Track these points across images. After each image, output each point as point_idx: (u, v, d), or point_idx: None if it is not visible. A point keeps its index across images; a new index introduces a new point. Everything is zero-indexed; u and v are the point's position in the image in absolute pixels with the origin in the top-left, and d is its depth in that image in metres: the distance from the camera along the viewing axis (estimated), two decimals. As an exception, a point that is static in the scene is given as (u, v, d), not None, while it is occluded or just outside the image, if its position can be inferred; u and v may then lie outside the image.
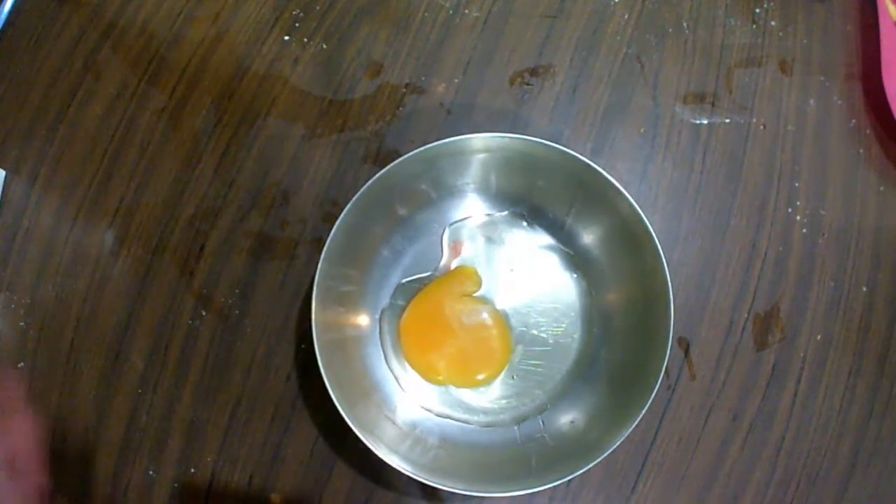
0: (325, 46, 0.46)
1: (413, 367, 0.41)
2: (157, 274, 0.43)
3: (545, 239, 0.43)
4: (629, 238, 0.39)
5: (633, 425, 0.35)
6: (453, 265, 0.42)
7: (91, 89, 0.46)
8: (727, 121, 0.46)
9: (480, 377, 0.41)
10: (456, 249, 0.42)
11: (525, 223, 0.43)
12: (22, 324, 0.43)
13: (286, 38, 0.47)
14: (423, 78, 0.46)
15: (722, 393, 0.42)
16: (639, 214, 0.37)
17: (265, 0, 0.47)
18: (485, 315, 0.41)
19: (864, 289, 0.44)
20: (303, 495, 0.41)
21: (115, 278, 0.43)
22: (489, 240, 0.43)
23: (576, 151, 0.38)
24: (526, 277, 0.42)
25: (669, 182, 0.45)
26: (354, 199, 0.37)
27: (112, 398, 0.42)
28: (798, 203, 0.45)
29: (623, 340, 0.40)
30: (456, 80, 0.46)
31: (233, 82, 0.46)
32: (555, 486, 0.35)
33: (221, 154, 0.45)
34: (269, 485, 0.41)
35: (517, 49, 0.47)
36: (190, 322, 0.43)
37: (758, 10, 0.48)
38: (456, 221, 0.43)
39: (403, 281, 0.42)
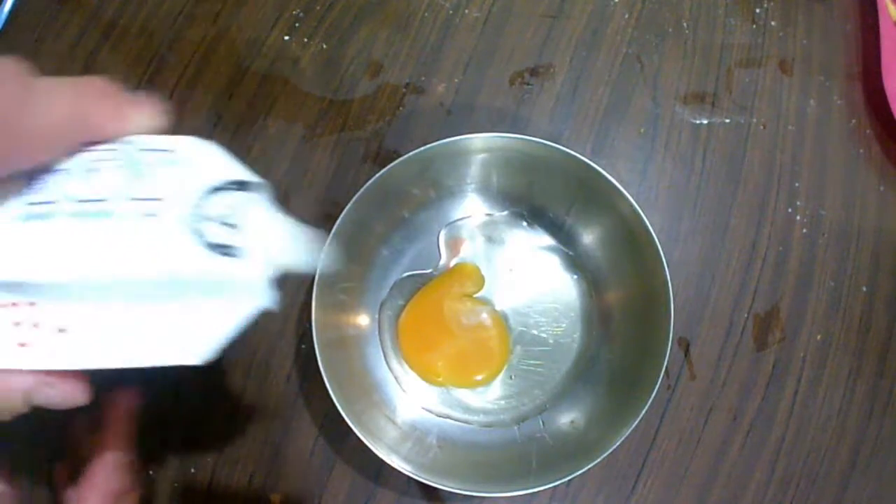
0: (325, 46, 0.46)
1: (412, 367, 0.41)
2: (157, 274, 0.43)
3: (545, 239, 0.43)
4: (629, 238, 0.39)
5: (633, 425, 0.35)
6: (452, 264, 0.42)
7: (91, 89, 0.46)
8: (727, 121, 0.46)
9: (479, 378, 0.41)
10: (455, 249, 0.42)
11: (525, 223, 0.43)
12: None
13: (286, 38, 0.47)
14: (423, 78, 0.46)
15: (722, 393, 0.42)
16: (639, 214, 0.37)
17: (265, 0, 0.47)
18: (483, 315, 0.41)
19: (864, 289, 0.44)
20: (303, 495, 0.41)
21: (115, 278, 0.43)
22: (489, 240, 0.43)
23: (576, 151, 0.38)
24: (526, 277, 0.42)
25: (669, 182, 0.45)
26: (354, 198, 0.37)
27: (112, 398, 0.42)
28: (798, 203, 0.45)
29: (623, 340, 0.40)
30: (456, 80, 0.46)
31: (233, 82, 0.46)
32: (555, 486, 0.36)
33: (221, 154, 0.45)
34: (269, 485, 0.41)
35: (517, 49, 0.47)
36: (190, 322, 0.42)
37: (758, 10, 0.48)
38: (453, 221, 0.43)
39: (403, 276, 0.42)
